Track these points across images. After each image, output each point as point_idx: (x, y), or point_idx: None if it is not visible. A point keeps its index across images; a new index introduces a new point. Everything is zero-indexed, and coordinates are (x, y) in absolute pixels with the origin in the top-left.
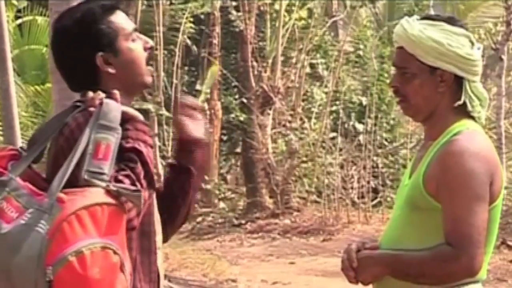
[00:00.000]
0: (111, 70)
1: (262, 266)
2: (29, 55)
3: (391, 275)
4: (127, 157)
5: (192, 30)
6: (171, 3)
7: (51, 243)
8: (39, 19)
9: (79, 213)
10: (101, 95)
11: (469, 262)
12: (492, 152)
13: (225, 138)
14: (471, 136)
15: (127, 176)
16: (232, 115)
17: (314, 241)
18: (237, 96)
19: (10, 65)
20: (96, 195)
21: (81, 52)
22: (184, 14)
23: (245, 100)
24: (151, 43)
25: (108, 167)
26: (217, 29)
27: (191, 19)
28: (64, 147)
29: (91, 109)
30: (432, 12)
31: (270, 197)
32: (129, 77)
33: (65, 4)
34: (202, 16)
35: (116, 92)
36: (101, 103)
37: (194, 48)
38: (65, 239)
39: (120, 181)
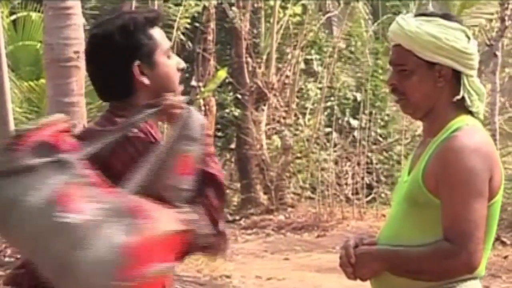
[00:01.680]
0: (146, 81)
1: (257, 262)
2: (23, 51)
3: (389, 271)
4: (206, 181)
5: (187, 26)
6: (165, 0)
7: (126, 259)
8: (34, 15)
9: (161, 237)
10: (181, 100)
11: (468, 258)
12: (491, 148)
13: (219, 134)
14: (471, 132)
15: (205, 205)
16: (227, 111)
17: (308, 237)
18: (231, 92)
19: (4, 61)
20: (175, 220)
21: (120, 58)
22: (178, 10)
23: (239, 96)
24: (183, 64)
25: (189, 183)
26: (212, 25)
27: (186, 15)
28: (132, 152)
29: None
30: (430, 7)
31: (265, 193)
32: (162, 91)
33: (60, 1)
34: (197, 13)
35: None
36: (182, 111)
37: (189, 43)
38: (141, 259)
39: (199, 208)
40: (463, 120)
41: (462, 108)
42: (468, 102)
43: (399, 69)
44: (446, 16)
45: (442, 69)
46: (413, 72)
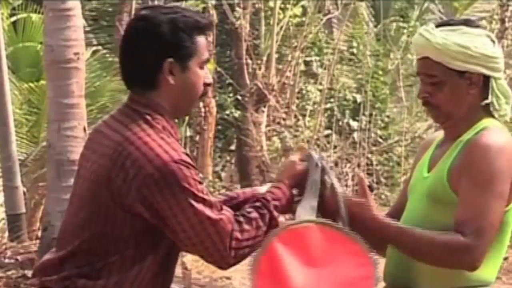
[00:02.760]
0: (171, 80)
1: None
2: (24, 53)
3: (392, 244)
4: None
5: None
6: (165, 1)
7: None
8: (34, 16)
9: None
10: None
11: (477, 258)
12: None
13: (219, 135)
14: (497, 132)
15: None
16: (227, 112)
17: None
18: (231, 94)
19: (4, 62)
20: None
21: (157, 49)
22: None
23: (239, 98)
24: (210, 80)
25: None
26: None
27: None
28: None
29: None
30: (439, 10)
31: None
32: (182, 97)
33: (60, 2)
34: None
35: None
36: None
37: None
38: None
39: None
40: (489, 121)
41: (487, 111)
42: (496, 106)
43: (429, 81)
44: (469, 23)
45: (472, 76)
46: (444, 82)
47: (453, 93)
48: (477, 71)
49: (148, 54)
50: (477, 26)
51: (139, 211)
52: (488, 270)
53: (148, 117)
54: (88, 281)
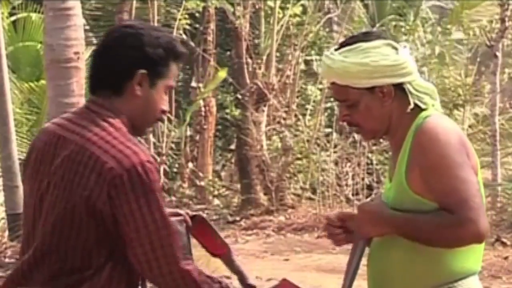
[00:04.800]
0: (138, 92)
1: (257, 262)
2: (24, 52)
3: (399, 235)
4: None
5: (187, 27)
6: (165, 0)
7: None
8: (34, 16)
9: None
10: None
11: (474, 227)
12: (460, 132)
13: (219, 134)
14: (438, 117)
15: None
16: (227, 112)
17: (308, 238)
18: (232, 93)
19: (4, 61)
20: None
21: (135, 58)
22: (178, 11)
23: (239, 97)
24: (167, 108)
25: None
26: (212, 26)
27: (186, 16)
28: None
29: None
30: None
31: (265, 194)
32: (142, 112)
33: (60, 2)
34: (197, 14)
35: None
36: None
37: (192, 43)
38: None
39: None
40: (427, 112)
41: (419, 111)
42: (422, 106)
43: (344, 104)
44: (367, 37)
45: (382, 89)
46: (358, 102)
47: (369, 110)
48: (385, 83)
49: (125, 60)
50: (378, 37)
51: (106, 214)
52: (469, 259)
53: (111, 119)
54: None
